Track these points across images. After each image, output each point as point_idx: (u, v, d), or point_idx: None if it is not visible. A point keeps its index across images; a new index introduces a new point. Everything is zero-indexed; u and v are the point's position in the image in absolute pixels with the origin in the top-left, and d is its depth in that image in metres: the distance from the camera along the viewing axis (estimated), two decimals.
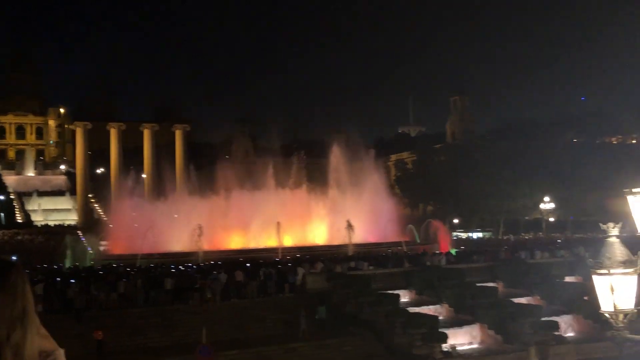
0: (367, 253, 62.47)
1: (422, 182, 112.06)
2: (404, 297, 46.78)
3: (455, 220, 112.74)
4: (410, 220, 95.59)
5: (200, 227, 66.54)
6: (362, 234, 75.81)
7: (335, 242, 72.00)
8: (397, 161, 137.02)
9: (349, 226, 69.28)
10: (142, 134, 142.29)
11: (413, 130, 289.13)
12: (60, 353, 2.70)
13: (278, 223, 69.37)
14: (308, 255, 60.84)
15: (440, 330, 38.49)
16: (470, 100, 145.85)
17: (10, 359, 2.31)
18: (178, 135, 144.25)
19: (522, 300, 45.34)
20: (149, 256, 64.42)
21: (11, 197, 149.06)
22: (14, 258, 77.11)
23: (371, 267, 52.69)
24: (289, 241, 72.13)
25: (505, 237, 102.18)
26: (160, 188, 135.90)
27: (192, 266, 54.88)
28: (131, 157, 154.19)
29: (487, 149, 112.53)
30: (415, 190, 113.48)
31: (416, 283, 48.60)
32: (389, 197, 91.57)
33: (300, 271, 48.83)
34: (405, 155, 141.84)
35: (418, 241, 76.70)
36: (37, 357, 2.49)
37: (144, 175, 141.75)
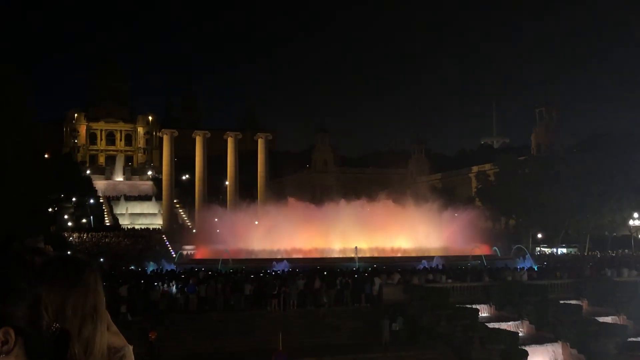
0: (446, 265, 61.70)
1: (504, 195, 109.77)
2: (483, 311, 46.09)
3: (539, 235, 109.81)
4: (492, 233, 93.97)
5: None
6: (441, 246, 75.01)
7: (413, 254, 71.50)
8: (479, 173, 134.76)
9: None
10: (226, 142, 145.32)
11: (496, 142, 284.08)
12: (129, 350, 2.77)
13: (356, 247, 69.44)
14: (385, 265, 60.63)
15: (520, 347, 37.66)
16: (557, 111, 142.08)
17: (81, 352, 2.40)
18: (260, 144, 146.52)
19: (607, 319, 43.82)
20: (234, 261, 65.75)
21: (100, 201, 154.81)
22: (101, 260, 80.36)
23: (449, 280, 52.08)
24: (366, 251, 72.13)
25: (591, 254, 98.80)
26: (242, 195, 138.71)
27: (271, 272, 55.68)
28: (215, 165, 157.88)
29: (574, 162, 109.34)
30: (497, 203, 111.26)
31: (496, 298, 47.81)
32: (470, 209, 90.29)
33: (377, 281, 48.79)
34: (487, 167, 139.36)
35: (499, 255, 75.32)
36: (107, 353, 2.59)
37: (227, 183, 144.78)
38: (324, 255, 71.10)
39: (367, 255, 70.81)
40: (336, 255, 71.27)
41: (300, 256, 69.29)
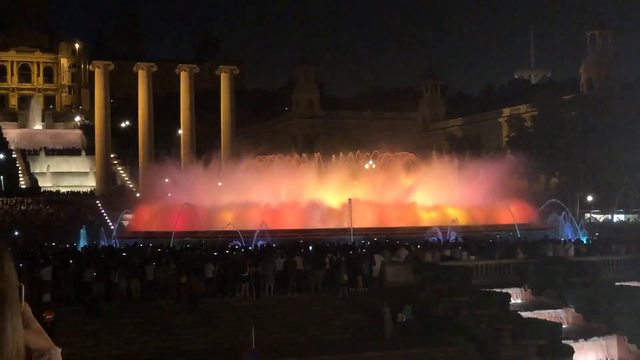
0: (468, 238, 62.10)
1: (544, 145, 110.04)
2: (516, 297, 46.54)
3: (589, 198, 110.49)
4: (529, 195, 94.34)
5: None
6: (462, 213, 75.34)
7: (424, 223, 71.94)
8: (511, 116, 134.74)
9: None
10: (178, 78, 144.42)
11: (534, 76, 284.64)
12: (57, 352, 2.78)
13: (349, 200, 69.68)
14: (388, 239, 60.90)
15: (563, 342, 38.11)
16: (615, 36, 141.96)
17: None
18: (224, 80, 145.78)
19: None
20: (188, 235, 65.74)
21: (13, 156, 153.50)
22: (15, 234, 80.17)
23: (472, 257, 52.47)
24: (363, 220, 72.43)
25: None
26: (201, 148, 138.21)
27: (240, 248, 55.89)
28: (164, 109, 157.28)
29: (637, 103, 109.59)
30: (535, 156, 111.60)
31: (532, 279, 48.23)
32: (499, 165, 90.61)
33: (379, 259, 49.09)
34: (522, 109, 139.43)
35: (537, 224, 75.83)
36: (24, 354, 2.60)
37: (180, 132, 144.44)
38: (309, 227, 71.29)
39: (365, 226, 70.97)
40: (324, 227, 71.50)
41: (278, 228, 69.41)
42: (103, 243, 66.27)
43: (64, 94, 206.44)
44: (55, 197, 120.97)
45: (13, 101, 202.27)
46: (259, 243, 59.82)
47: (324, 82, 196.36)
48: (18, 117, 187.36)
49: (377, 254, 50.32)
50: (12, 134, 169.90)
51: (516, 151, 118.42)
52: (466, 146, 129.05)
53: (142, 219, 79.85)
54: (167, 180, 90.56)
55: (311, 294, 46.65)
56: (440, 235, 63.93)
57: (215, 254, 51.78)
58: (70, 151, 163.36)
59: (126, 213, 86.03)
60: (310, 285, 47.44)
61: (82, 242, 70.62)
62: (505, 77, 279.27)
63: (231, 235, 64.83)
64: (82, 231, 76.71)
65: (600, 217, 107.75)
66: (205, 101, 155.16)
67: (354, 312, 44.24)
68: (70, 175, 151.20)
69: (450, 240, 61.65)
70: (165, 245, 59.53)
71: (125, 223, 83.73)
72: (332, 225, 71.88)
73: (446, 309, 43.69)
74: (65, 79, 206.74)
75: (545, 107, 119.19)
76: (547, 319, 41.58)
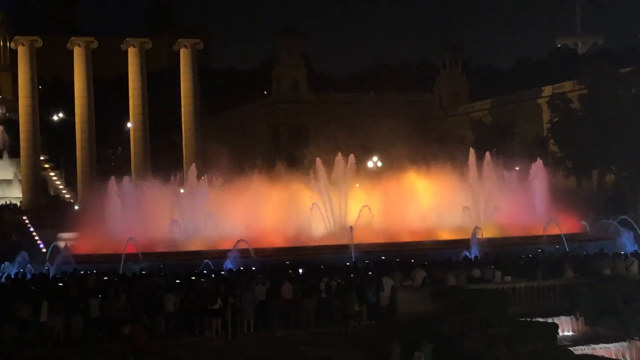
0: (502, 254, 61.97)
1: (597, 133, 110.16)
2: (565, 328, 46.51)
3: None
4: (578, 197, 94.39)
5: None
6: (493, 222, 75.31)
7: (446, 236, 71.99)
8: (554, 96, 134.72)
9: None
10: (124, 56, 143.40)
11: (582, 44, 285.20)
12: None
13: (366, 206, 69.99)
14: (400, 257, 60.77)
15: None
16: None
17: None
18: (184, 57, 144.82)
19: None
20: (142, 257, 65.46)
21: None
22: None
23: (508, 278, 52.33)
24: (367, 234, 72.43)
25: None
26: (158, 144, 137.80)
27: (209, 274, 55.54)
28: (109, 95, 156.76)
29: None
30: (585, 147, 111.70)
31: (586, 305, 48.14)
32: (539, 159, 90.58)
33: (388, 283, 48.89)
34: (568, 86, 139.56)
35: (590, 234, 75.85)
36: None
37: (129, 124, 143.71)
38: (299, 244, 71.17)
39: (370, 241, 70.92)
40: (318, 243, 71.39)
41: (260, 246, 69.28)
42: (33, 271, 65.77)
43: None
44: None
45: None
46: (229, 266, 59.63)
47: (312, 57, 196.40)
48: None
49: (386, 276, 50.06)
50: None
51: (560, 141, 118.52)
52: (496, 136, 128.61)
53: (84, 240, 79.58)
54: (115, 187, 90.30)
55: (302, 330, 46.41)
56: (468, 252, 63.76)
57: (177, 281, 51.39)
58: None
59: (62, 231, 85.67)
60: (300, 320, 47.20)
61: (7, 270, 70.12)
62: (544, 46, 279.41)
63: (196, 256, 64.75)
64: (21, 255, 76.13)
65: None
66: (161, 84, 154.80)
67: (357, 352, 43.98)
68: None
69: (472, 257, 61.54)
70: (113, 271, 59.09)
71: (62, 245, 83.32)
72: (327, 241, 71.89)
73: (476, 345, 43.34)
74: None
75: (597, 83, 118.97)
76: (606, 356, 41.42)
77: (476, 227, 69.87)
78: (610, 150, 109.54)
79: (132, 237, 68.58)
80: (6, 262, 72.03)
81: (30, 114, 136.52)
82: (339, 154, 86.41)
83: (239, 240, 65.50)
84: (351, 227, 70.50)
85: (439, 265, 55.11)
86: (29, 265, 69.27)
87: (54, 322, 44.01)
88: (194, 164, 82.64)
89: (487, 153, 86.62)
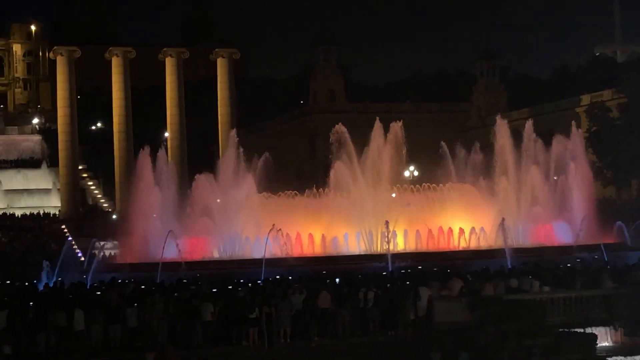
0: (539, 264, 61.70)
1: (636, 142, 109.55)
2: (604, 339, 46.30)
3: None
4: (617, 207, 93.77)
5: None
6: (529, 231, 75.07)
7: (483, 246, 71.78)
8: (592, 105, 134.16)
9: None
10: (162, 66, 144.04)
11: (621, 53, 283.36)
12: None
13: (387, 222, 69.71)
14: (437, 267, 60.69)
15: None
16: None
17: None
18: (221, 67, 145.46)
19: None
20: (178, 267, 65.72)
21: None
22: None
23: (546, 288, 52.12)
24: (404, 243, 72.39)
25: None
26: (195, 152, 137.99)
27: (246, 283, 55.61)
28: (146, 104, 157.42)
29: None
30: (624, 156, 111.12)
31: (625, 316, 47.94)
32: (577, 168, 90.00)
33: (425, 293, 48.93)
34: (606, 95, 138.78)
35: (629, 244, 75.42)
36: None
37: (166, 134, 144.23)
38: (336, 253, 71.13)
39: (407, 249, 70.87)
40: (354, 252, 71.37)
41: (297, 255, 69.48)
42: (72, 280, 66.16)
43: (17, 90, 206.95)
44: (9, 223, 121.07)
45: None
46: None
47: (348, 66, 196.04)
48: None
49: (423, 286, 50.10)
50: None
51: (599, 150, 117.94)
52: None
53: (124, 249, 79.99)
54: (152, 197, 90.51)
55: (338, 340, 46.45)
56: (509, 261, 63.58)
57: (214, 290, 51.56)
58: (27, 163, 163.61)
59: (101, 240, 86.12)
60: (337, 329, 47.29)
61: (45, 279, 70.52)
62: (583, 55, 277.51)
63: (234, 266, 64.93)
64: (45, 264, 76.55)
65: None
66: (198, 94, 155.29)
67: None
68: (27, 193, 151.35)
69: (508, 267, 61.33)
70: (152, 280, 59.29)
71: (101, 254, 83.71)
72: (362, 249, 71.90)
73: (514, 355, 43.35)
74: (19, 70, 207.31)
75: (636, 92, 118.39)
76: None
77: (503, 218, 69.81)
78: None
79: (172, 230, 69.10)
80: (46, 262, 72.63)
81: (68, 124, 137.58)
82: None
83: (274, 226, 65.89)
84: (387, 222, 70.31)
85: (476, 275, 55.12)
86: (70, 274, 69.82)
87: (91, 330, 44.29)
88: (250, 174, 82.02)
89: (534, 166, 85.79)
